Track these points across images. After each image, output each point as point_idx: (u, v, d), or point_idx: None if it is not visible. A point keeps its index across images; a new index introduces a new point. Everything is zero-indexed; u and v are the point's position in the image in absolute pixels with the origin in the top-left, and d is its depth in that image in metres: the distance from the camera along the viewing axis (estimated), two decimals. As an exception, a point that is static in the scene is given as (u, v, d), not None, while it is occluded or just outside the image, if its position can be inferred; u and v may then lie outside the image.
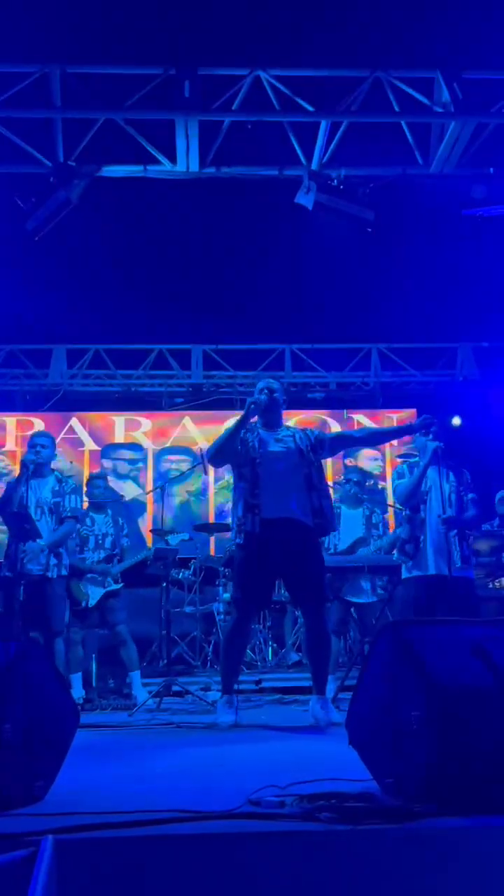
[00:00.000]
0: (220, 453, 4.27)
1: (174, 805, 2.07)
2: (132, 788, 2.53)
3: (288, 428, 4.46)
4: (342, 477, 6.21)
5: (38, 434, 5.26)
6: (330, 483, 6.82)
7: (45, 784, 2.31)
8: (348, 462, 9.57)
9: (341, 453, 9.59)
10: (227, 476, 9.36)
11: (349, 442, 4.75)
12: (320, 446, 4.31)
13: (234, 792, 2.20)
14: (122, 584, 5.87)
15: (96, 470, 9.31)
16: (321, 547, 4.35)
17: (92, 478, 6.22)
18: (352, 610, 5.62)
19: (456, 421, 8.95)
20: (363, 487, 5.84)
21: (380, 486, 9.44)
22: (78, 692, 5.62)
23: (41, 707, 2.33)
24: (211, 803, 2.08)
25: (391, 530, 8.74)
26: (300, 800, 2.09)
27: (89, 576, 5.77)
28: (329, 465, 9.50)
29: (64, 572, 5.12)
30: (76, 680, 5.70)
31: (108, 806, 2.16)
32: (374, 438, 5.10)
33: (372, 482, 9.47)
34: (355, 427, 9.71)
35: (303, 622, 6.86)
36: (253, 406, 4.29)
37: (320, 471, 4.30)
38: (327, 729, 4.00)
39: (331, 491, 6.02)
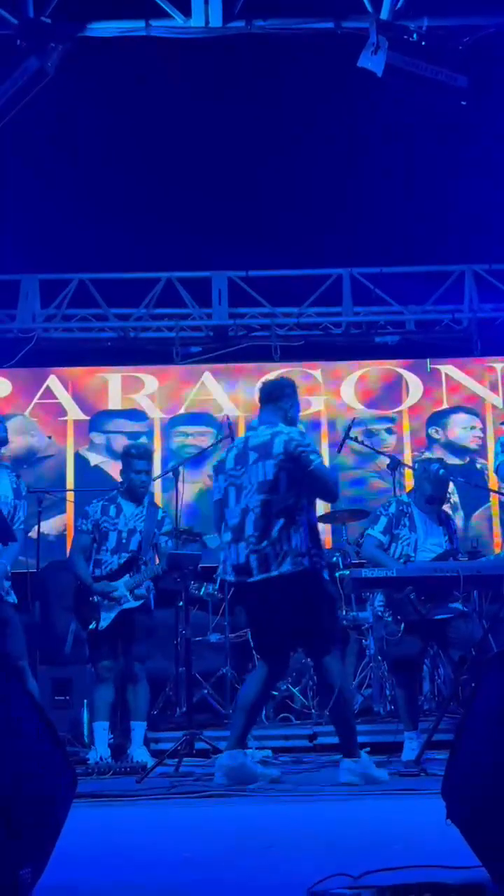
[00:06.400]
0: None
1: (211, 900, 2.13)
2: (152, 879, 2.60)
3: None
4: (415, 465, 6.20)
5: None
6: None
7: (34, 873, 2.38)
8: (434, 433, 9.53)
9: (425, 420, 9.56)
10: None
11: None
12: None
13: (291, 882, 2.26)
14: (143, 602, 5.92)
15: (84, 446, 9.40)
16: None
17: (128, 455, 6.14)
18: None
19: None
20: (439, 501, 5.86)
21: (478, 466, 9.40)
22: (101, 750, 5.72)
23: (24, 771, 2.39)
24: (261, 897, 2.13)
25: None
26: (381, 893, 2.13)
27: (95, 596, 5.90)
28: (407, 435, 9.48)
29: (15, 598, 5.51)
30: (100, 732, 5.80)
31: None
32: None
33: (468, 459, 9.43)
34: (443, 383, 9.66)
35: (374, 652, 6.96)
36: None
37: None
38: (411, 796, 4.09)
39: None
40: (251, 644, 5.85)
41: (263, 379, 5.27)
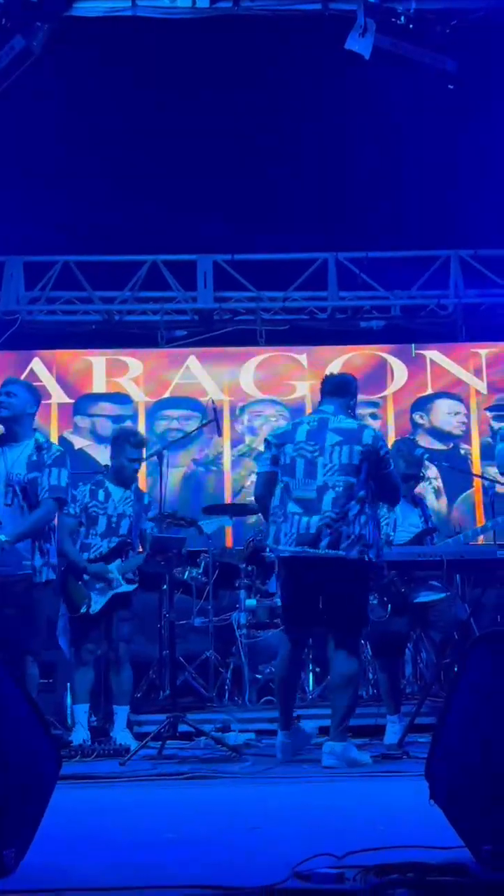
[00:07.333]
0: None
1: (194, 879, 2.14)
2: (135, 859, 2.61)
3: None
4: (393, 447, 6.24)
5: (5, 382, 5.27)
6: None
7: (17, 853, 2.39)
8: (418, 418, 9.55)
9: (409, 406, 9.58)
10: (249, 439, 9.39)
11: None
12: None
13: (275, 862, 2.27)
14: (136, 585, 5.98)
15: (68, 430, 9.37)
16: None
17: (124, 440, 6.10)
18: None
19: None
20: (413, 478, 5.91)
21: (462, 451, 9.43)
22: (82, 733, 5.75)
23: (9, 752, 2.39)
24: (245, 877, 2.14)
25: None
26: (365, 872, 2.15)
27: (86, 577, 5.88)
28: (391, 420, 9.50)
29: (52, 575, 5.21)
30: (80, 715, 5.83)
31: (103, 881, 2.23)
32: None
33: (451, 445, 9.46)
34: (427, 368, 9.67)
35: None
36: None
37: None
38: (394, 778, 4.15)
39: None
40: (281, 616, 5.88)
41: (327, 372, 5.50)
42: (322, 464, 4.84)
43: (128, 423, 9.09)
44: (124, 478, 6.05)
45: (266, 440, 5.23)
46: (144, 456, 6.33)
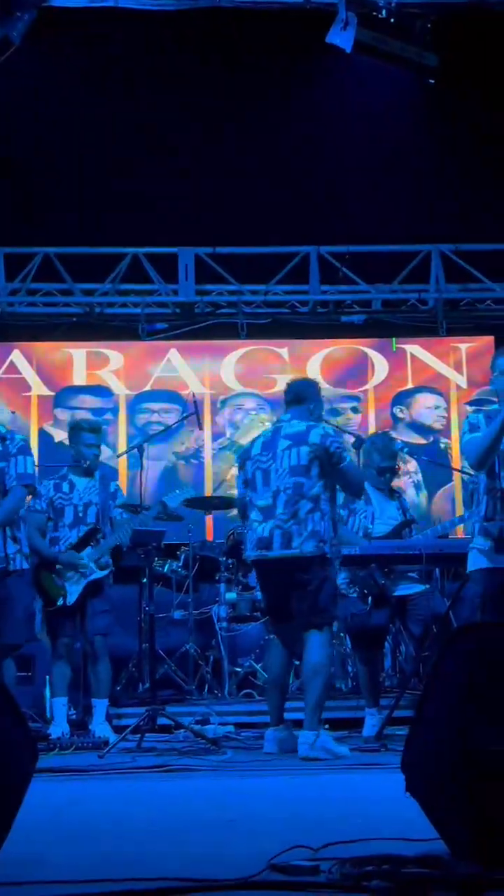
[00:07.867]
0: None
1: (171, 871, 2.14)
2: (112, 852, 2.61)
3: None
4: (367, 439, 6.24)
5: None
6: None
7: (-6, 845, 2.38)
8: (398, 412, 9.57)
9: (390, 399, 9.61)
10: (229, 432, 9.40)
11: None
12: None
13: (252, 854, 2.28)
14: (109, 570, 5.97)
15: (49, 422, 9.35)
16: None
17: (78, 428, 6.15)
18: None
19: None
20: (389, 471, 5.93)
21: (442, 445, 9.46)
22: (61, 725, 5.74)
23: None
24: (221, 869, 2.15)
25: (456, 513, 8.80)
26: (341, 864, 2.16)
27: (58, 567, 5.88)
28: (372, 414, 9.53)
29: (25, 564, 5.20)
30: (59, 708, 5.83)
31: (80, 874, 2.23)
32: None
33: (432, 439, 9.49)
34: (408, 363, 9.70)
35: (336, 629, 7.02)
36: None
37: None
38: (371, 771, 4.16)
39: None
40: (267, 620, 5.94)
41: (288, 380, 5.62)
42: (274, 470, 5.00)
43: (107, 416, 9.08)
44: (87, 466, 6.05)
45: (236, 462, 5.35)
46: (101, 442, 6.30)
